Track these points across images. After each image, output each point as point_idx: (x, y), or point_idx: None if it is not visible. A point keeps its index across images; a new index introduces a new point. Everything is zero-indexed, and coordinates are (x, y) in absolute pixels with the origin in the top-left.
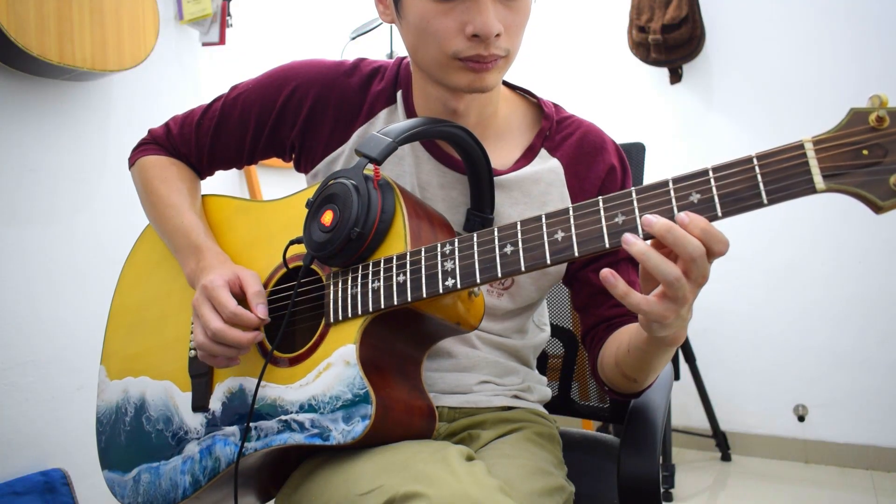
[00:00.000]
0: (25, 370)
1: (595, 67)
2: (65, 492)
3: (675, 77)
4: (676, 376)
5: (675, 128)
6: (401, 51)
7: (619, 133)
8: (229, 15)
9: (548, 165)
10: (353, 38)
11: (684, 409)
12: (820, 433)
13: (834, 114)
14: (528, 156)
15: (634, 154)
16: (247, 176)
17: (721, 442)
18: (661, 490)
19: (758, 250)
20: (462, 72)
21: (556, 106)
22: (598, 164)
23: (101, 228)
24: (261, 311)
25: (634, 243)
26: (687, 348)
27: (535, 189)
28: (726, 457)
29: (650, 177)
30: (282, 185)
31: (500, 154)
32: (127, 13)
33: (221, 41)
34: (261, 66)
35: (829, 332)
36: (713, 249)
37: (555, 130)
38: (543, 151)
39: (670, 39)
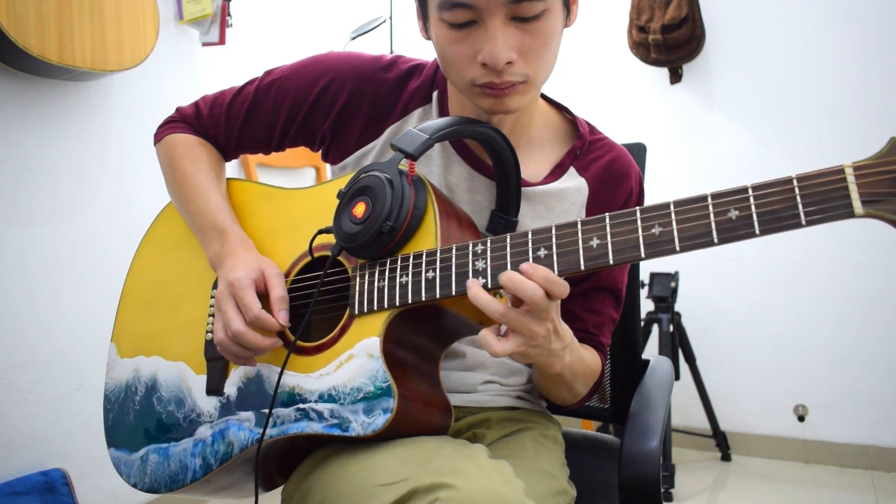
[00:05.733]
0: (25, 370)
1: (595, 67)
2: (65, 492)
3: (675, 77)
4: (676, 376)
5: (675, 128)
6: (401, 51)
7: (619, 133)
8: (229, 15)
9: (575, 184)
10: (353, 38)
11: (684, 409)
12: (820, 433)
13: (834, 114)
14: (556, 172)
15: (635, 154)
16: (246, 175)
17: (721, 442)
18: (661, 490)
19: (758, 250)
20: (482, 97)
21: (589, 125)
22: (621, 192)
23: (101, 229)
24: (283, 317)
25: (470, 287)
26: (687, 348)
27: (560, 206)
28: (726, 457)
29: (650, 177)
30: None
31: (530, 165)
32: (127, 13)
33: (221, 41)
34: (261, 67)
35: (829, 332)
36: (555, 293)
37: (585, 150)
38: (572, 169)
39: (670, 39)
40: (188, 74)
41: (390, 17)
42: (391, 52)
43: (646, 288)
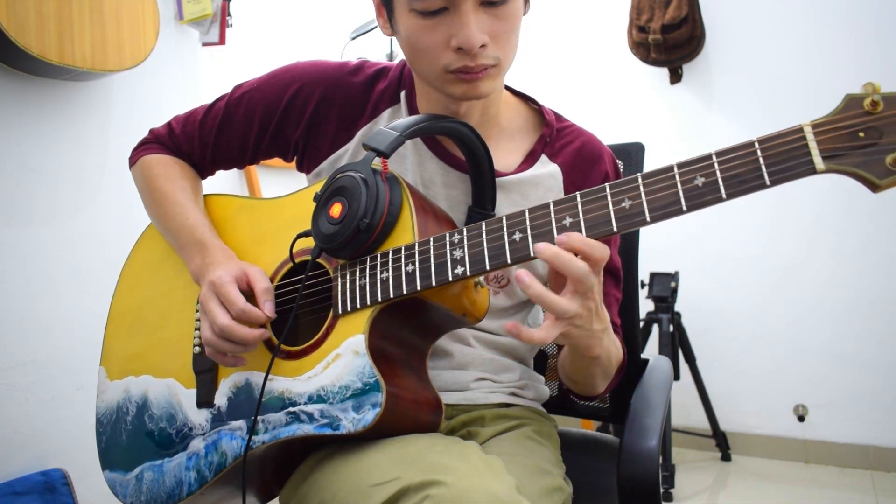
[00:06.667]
0: (25, 370)
1: (595, 67)
2: (65, 492)
3: (675, 77)
4: (676, 376)
5: (674, 128)
6: (401, 52)
7: (619, 133)
8: (229, 15)
9: (548, 170)
10: (353, 38)
11: (684, 409)
12: (820, 433)
13: None
14: (529, 160)
15: (634, 154)
16: (247, 176)
17: (721, 442)
18: (661, 490)
19: (758, 250)
20: (455, 83)
21: (555, 114)
22: (595, 173)
23: (101, 229)
24: (268, 308)
25: (530, 286)
26: (687, 348)
27: (535, 193)
28: (726, 457)
29: None
30: (282, 185)
31: (502, 156)
32: (127, 13)
33: (221, 41)
34: (261, 66)
35: (830, 332)
36: (594, 256)
37: (555, 137)
38: (544, 157)
39: (670, 39)
40: (188, 74)
41: None
42: (390, 52)
43: (646, 288)
